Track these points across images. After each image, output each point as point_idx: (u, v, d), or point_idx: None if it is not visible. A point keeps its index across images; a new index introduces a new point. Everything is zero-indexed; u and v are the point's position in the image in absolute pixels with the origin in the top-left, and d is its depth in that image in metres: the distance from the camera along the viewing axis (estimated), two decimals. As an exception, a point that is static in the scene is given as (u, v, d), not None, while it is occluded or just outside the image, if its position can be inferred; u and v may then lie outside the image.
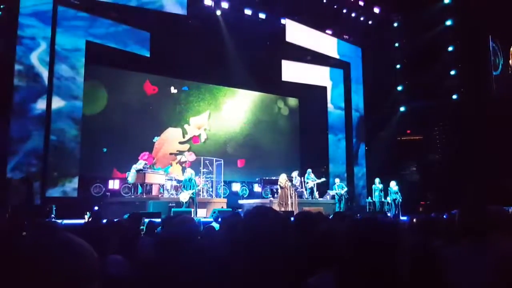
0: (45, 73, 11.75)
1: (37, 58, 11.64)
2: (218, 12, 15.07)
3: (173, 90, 16.14)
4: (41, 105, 11.62)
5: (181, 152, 15.91)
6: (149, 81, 15.58)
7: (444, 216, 4.51)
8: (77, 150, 12.35)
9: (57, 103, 12.07)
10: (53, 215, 10.36)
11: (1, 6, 11.44)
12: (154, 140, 15.57)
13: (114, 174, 14.20)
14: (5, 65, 11.26)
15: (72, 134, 12.30)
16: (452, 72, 17.00)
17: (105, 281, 2.40)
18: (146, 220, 6.11)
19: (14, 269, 0.95)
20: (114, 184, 13.73)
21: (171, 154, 15.88)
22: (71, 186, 12.11)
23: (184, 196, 11.45)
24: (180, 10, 13.41)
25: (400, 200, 14.48)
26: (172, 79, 16.14)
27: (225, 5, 14.96)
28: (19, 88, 11.37)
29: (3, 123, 11.05)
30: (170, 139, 16.00)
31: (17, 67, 11.34)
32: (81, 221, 8.76)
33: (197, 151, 15.91)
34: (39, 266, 0.96)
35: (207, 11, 14.88)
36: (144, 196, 11.98)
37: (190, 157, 14.97)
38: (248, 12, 15.45)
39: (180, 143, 16.24)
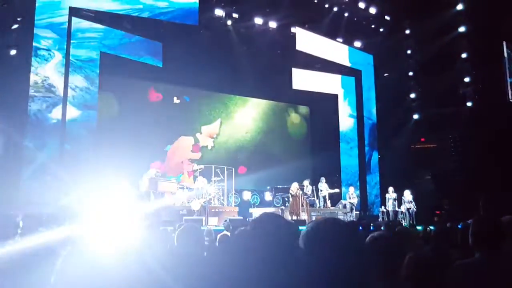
0: (60, 84, 11.96)
1: (52, 69, 11.85)
2: (229, 22, 15.21)
3: (175, 100, 16.16)
4: (56, 114, 11.82)
5: (192, 161, 15.98)
6: (154, 88, 15.63)
7: (459, 226, 4.48)
8: (91, 159, 12.48)
9: (72, 112, 12.26)
10: (66, 223, 10.46)
11: (18, 19, 11.67)
12: (166, 149, 15.67)
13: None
14: (21, 76, 11.48)
15: (86, 143, 12.45)
16: (466, 79, 16.87)
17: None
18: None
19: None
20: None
21: (183, 162, 15.96)
22: (85, 194, 12.20)
23: (196, 205, 11.49)
24: (191, 21, 13.57)
25: (415, 209, 14.33)
26: (184, 88, 16.27)
27: (235, 15, 15.11)
28: (35, 98, 11.57)
29: (19, 132, 11.24)
30: (182, 147, 16.08)
31: (32, 77, 11.56)
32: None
33: (208, 159, 15.96)
34: None
35: (218, 21, 15.04)
36: (156, 204, 12.00)
37: (188, 167, 14.87)
38: (258, 21, 15.56)
39: (192, 151, 16.31)
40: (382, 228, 8.11)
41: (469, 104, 16.85)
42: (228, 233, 6.77)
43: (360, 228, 6.68)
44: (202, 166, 14.39)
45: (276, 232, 1.65)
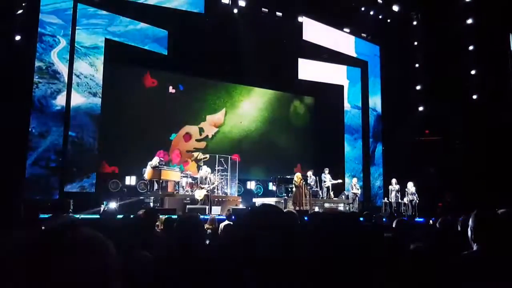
0: (64, 70, 12.00)
1: (57, 55, 11.88)
2: (235, 10, 15.14)
3: (171, 89, 15.89)
4: (60, 101, 11.88)
5: (196, 150, 16.02)
6: (155, 75, 15.41)
7: (460, 219, 4.51)
8: (95, 146, 12.57)
9: (76, 99, 12.31)
10: (71, 210, 10.59)
11: (23, 4, 11.68)
12: (171, 138, 15.70)
13: (103, 167, 14.12)
14: (25, 62, 11.51)
15: (90, 130, 12.52)
16: (473, 72, 16.76)
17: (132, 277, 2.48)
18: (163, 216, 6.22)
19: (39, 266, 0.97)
20: (130, 180, 13.88)
21: (187, 151, 16.00)
22: (89, 181, 12.33)
23: (199, 194, 11.57)
24: (197, 9, 13.55)
25: (417, 201, 14.37)
26: (188, 77, 16.21)
27: (242, 3, 15.03)
28: (39, 84, 11.62)
29: (23, 118, 11.31)
30: (186, 136, 16.10)
31: (37, 63, 11.61)
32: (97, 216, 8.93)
33: (212, 148, 16.01)
34: (64, 263, 0.98)
35: (224, 9, 14.95)
36: (160, 193, 12.11)
37: (178, 158, 14.09)
38: (265, 10, 15.47)
39: (197, 140, 16.34)
40: (384, 219, 8.16)
41: (474, 97, 16.76)
42: (231, 223, 6.85)
43: (361, 219, 6.72)
44: (207, 156, 14.37)
45: (272, 224, 1.63)
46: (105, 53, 12.91)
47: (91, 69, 12.71)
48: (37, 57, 11.62)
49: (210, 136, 16.74)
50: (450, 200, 15.79)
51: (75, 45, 12.33)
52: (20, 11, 11.59)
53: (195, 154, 15.97)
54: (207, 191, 11.56)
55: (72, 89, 12.21)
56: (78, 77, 12.43)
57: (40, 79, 11.65)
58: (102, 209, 9.95)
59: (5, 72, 10.51)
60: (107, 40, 13.00)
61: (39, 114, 11.57)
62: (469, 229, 2.36)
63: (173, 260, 2.49)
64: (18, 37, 11.49)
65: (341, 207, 14.36)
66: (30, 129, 11.39)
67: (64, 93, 11.96)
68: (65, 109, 11.94)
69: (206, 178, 11.90)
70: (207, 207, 11.31)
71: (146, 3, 13.30)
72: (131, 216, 6.42)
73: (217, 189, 13.19)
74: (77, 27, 12.34)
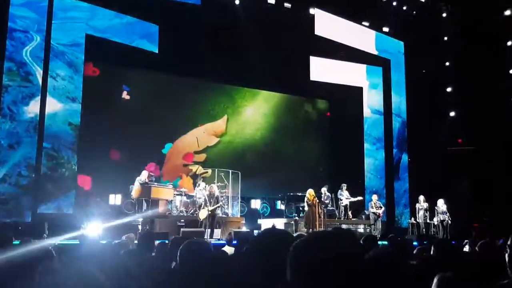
0: (38, 71, 11.98)
1: (29, 54, 11.87)
2: (237, 1, 15.17)
3: (125, 95, 15.37)
4: (33, 107, 11.83)
5: (194, 163, 15.95)
6: (92, 64, 14.43)
7: (500, 241, 4.44)
8: (74, 159, 12.48)
9: (52, 105, 12.26)
10: (45, 234, 10.49)
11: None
12: (163, 150, 15.58)
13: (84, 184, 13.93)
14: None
15: (69, 141, 12.46)
16: (512, 71, 16.71)
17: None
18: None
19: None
20: (115, 199, 13.81)
21: (184, 166, 15.89)
22: (67, 201, 12.23)
23: (203, 214, 11.39)
24: (193, -1, 13.61)
25: (449, 221, 14.22)
26: (184, 78, 16.20)
27: (244, -7, 15.13)
28: (9, 88, 11.59)
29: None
30: (181, 148, 16.00)
31: (6, 64, 11.60)
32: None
33: (212, 161, 15.93)
34: None
35: (224, 0, 14.99)
36: (150, 214, 11.97)
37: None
38: (271, 1, 15.49)
39: (196, 152, 16.25)
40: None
41: (514, 99, 16.68)
42: (228, 250, 6.67)
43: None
44: (208, 171, 14.21)
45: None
46: (86, 52, 12.87)
47: (70, 69, 12.68)
48: (7, 56, 11.59)
49: (209, 147, 16.61)
50: (487, 220, 15.64)
51: (51, 42, 12.32)
52: (-14, 3, 11.61)
53: (194, 168, 15.88)
54: (209, 212, 11.33)
55: (48, 94, 12.16)
56: (54, 79, 12.40)
57: (10, 81, 11.62)
58: (82, 232, 9.88)
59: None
60: (88, 36, 12.98)
61: (8, 123, 11.51)
62: (506, 255, 2.27)
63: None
64: (-16, 34, 11.50)
65: (360, 228, 14.20)
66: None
67: (38, 98, 11.92)
68: (39, 116, 11.88)
69: (213, 197, 11.57)
70: (206, 230, 11.14)
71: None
72: (115, 241, 6.35)
73: (221, 209, 13.06)
74: (53, 22, 12.33)
